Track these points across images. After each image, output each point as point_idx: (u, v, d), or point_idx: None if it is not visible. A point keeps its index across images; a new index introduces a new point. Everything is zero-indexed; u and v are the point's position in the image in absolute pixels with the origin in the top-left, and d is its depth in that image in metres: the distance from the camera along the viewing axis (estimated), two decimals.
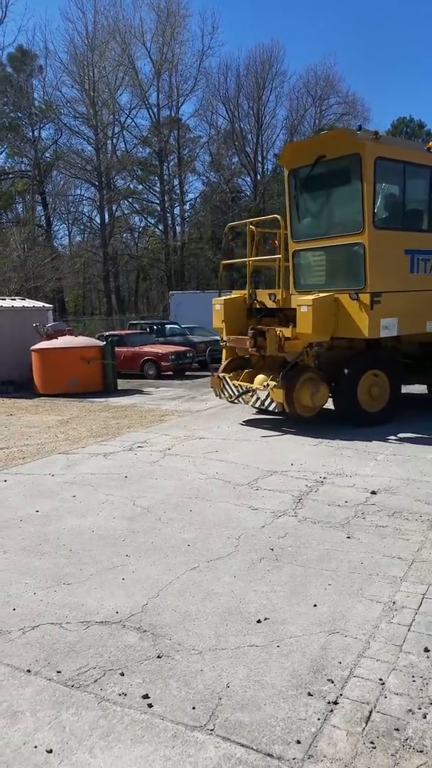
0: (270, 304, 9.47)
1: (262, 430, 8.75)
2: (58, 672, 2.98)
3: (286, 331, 8.67)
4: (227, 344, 9.85)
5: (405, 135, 43.07)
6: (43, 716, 2.68)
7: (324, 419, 8.81)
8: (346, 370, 8.68)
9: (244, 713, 2.63)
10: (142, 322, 23.85)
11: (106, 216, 40.62)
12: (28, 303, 16.91)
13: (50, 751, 2.46)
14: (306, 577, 3.92)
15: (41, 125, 39.68)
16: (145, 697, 2.75)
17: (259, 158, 43.64)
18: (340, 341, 8.81)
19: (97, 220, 41.66)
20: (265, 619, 3.40)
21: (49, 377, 13.71)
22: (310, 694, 2.74)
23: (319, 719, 2.58)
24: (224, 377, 9.65)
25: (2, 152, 40.68)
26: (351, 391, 8.68)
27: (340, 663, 2.97)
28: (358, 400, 8.73)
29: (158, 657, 3.06)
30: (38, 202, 41.12)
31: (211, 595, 3.71)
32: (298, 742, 2.45)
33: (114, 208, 41.92)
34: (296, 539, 4.56)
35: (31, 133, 39.50)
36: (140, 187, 42.92)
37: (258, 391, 8.92)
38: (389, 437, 8.02)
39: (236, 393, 9.44)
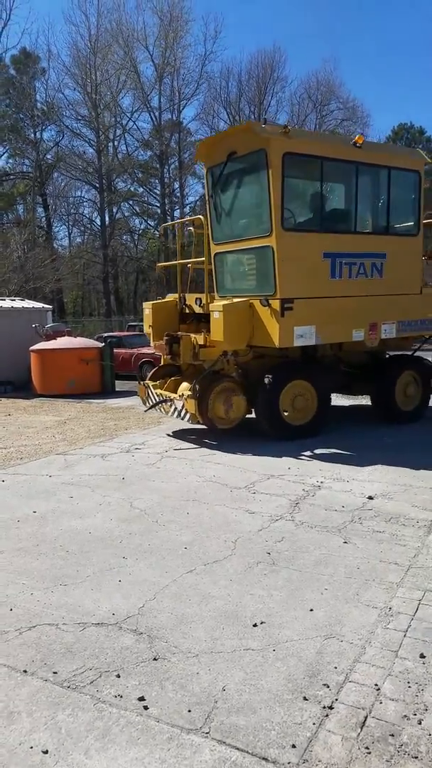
0: (198, 309, 9.11)
1: (261, 434, 8.75)
2: (55, 673, 2.98)
3: (200, 338, 8.18)
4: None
5: (405, 141, 43.24)
6: (39, 717, 2.68)
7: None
8: (266, 380, 8.05)
9: (239, 717, 2.63)
10: (141, 324, 23.80)
11: (107, 218, 40.68)
12: (28, 304, 16.91)
13: (46, 752, 2.46)
14: (302, 581, 3.93)
15: (43, 127, 39.80)
16: (141, 699, 2.75)
17: None
18: (270, 349, 8.11)
19: (98, 221, 41.74)
20: (262, 623, 3.41)
21: (48, 378, 13.71)
22: (305, 699, 2.74)
23: (314, 724, 2.58)
24: (148, 385, 9.25)
25: (4, 153, 40.75)
26: (272, 402, 8.03)
27: (335, 668, 2.97)
28: (280, 413, 8.13)
29: (154, 659, 3.07)
30: (39, 204, 41.16)
31: (208, 598, 3.72)
32: (294, 746, 2.45)
33: (114, 210, 42.01)
34: (293, 543, 4.57)
35: (33, 135, 39.60)
36: (141, 189, 43.03)
37: (175, 401, 8.44)
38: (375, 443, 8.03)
39: (155, 401, 8.97)
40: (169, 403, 8.65)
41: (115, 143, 41.22)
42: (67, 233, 46.64)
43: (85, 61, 37.70)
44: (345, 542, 4.58)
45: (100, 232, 40.80)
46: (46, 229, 40.98)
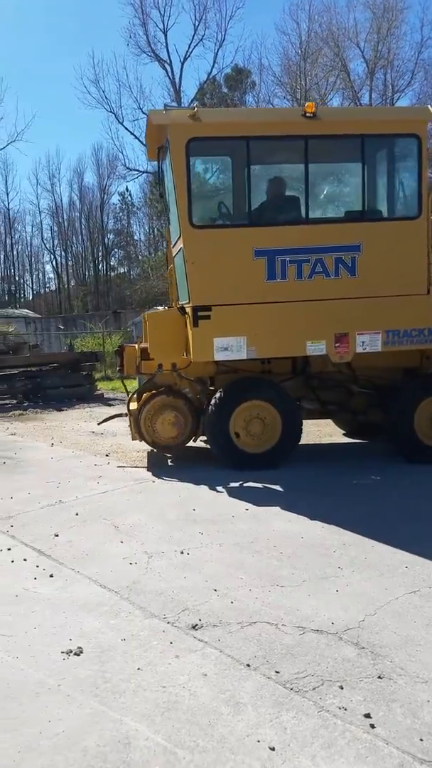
0: None
1: None
2: (277, 672, 3.04)
3: (136, 350, 7.60)
4: None
5: None
6: (264, 713, 2.75)
7: None
8: (214, 399, 7.01)
9: None
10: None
11: None
12: None
13: (273, 749, 2.52)
14: None
15: None
16: (367, 716, 2.68)
17: None
18: (243, 363, 7.06)
19: None
20: None
21: None
22: None
23: None
24: (129, 397, 8.51)
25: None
26: (220, 424, 6.96)
27: None
28: (231, 437, 7.02)
29: (379, 677, 2.96)
30: None
31: None
32: None
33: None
34: None
35: None
36: None
37: (129, 418, 7.74)
38: None
39: (112, 415, 8.64)
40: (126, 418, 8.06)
41: None
42: None
43: (295, 68, 38.39)
44: None
45: None
46: None
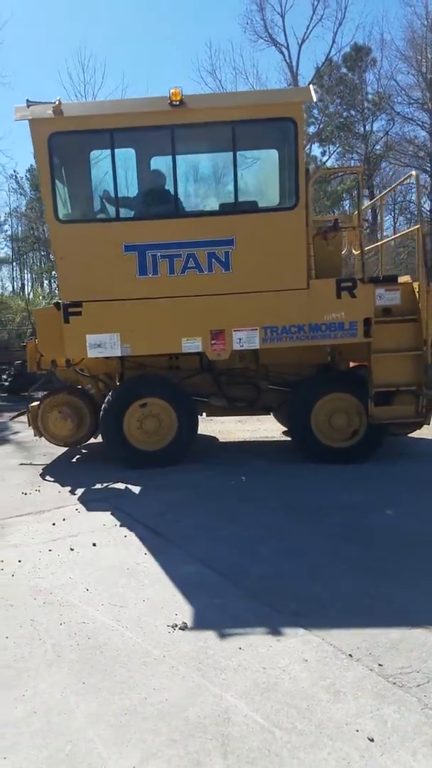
0: None
1: None
2: (380, 665, 2.97)
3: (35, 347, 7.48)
4: None
5: None
6: (364, 703, 2.70)
7: None
8: (108, 397, 6.91)
9: None
10: None
11: None
12: None
13: (372, 740, 2.47)
14: None
15: (373, 119, 39.75)
16: None
17: None
18: (157, 359, 7.05)
19: (426, 206, 39.95)
20: None
21: None
22: None
23: None
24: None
25: (335, 152, 42.06)
26: (112, 422, 6.82)
27: None
28: (125, 435, 6.83)
29: None
30: (366, 196, 41.42)
31: None
32: None
33: None
34: None
35: (362, 129, 39.92)
36: None
37: (27, 414, 7.61)
38: None
39: (21, 411, 8.41)
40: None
41: None
42: (392, 223, 45.91)
43: (420, 41, 36.23)
44: None
45: (429, 218, 39.05)
46: (371, 222, 41.05)
